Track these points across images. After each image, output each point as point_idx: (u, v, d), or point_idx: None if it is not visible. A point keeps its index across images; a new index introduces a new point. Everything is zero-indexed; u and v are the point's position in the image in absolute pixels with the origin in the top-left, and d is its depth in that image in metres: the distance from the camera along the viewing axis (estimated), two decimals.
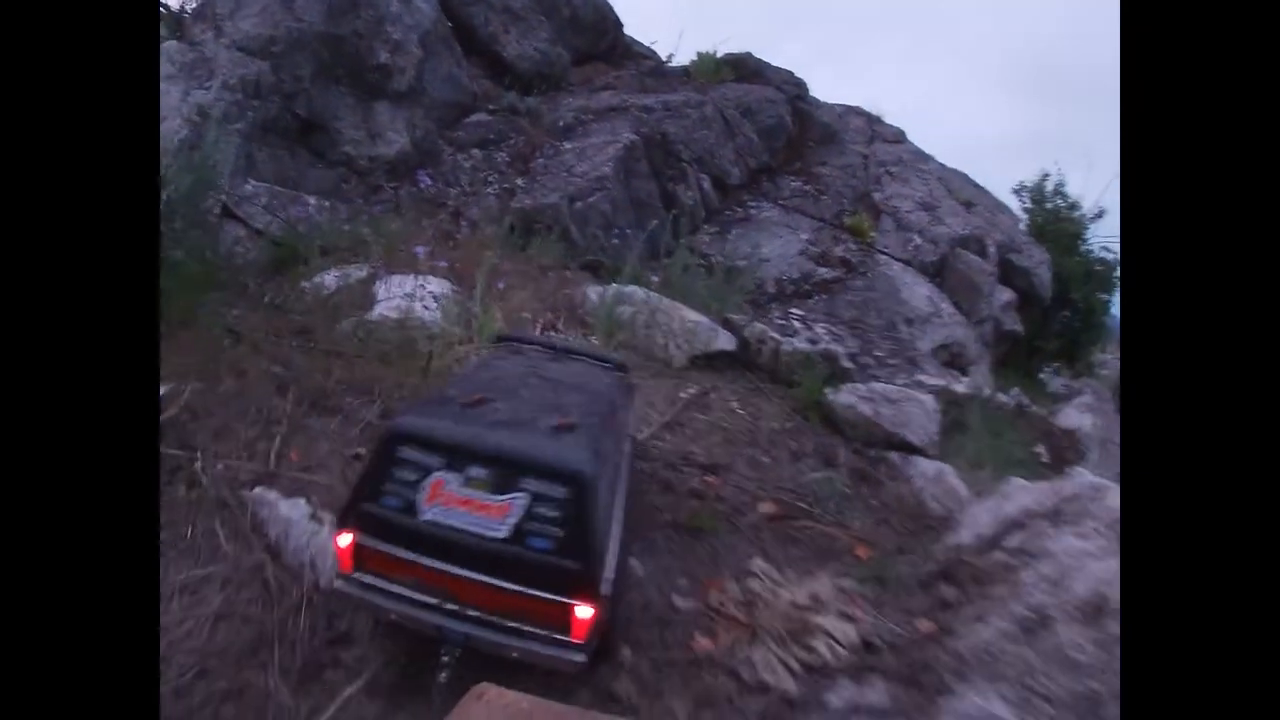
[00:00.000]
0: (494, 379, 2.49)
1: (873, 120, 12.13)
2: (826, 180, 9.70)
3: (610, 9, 10.67)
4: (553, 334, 4.89)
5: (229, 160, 6.10)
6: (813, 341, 6.06)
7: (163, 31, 7.83)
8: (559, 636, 1.99)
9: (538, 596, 1.94)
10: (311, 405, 3.63)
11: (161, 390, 3.30)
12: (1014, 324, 10.22)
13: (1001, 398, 6.73)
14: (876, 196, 10.04)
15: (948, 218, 10.13)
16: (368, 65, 7.52)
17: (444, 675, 2.01)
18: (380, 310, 4.33)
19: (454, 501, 1.94)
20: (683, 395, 4.85)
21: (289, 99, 7.22)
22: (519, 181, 7.54)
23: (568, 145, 8.07)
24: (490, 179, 7.62)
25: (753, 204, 8.82)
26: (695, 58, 10.56)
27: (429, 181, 6.76)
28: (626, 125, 8.21)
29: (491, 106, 8.80)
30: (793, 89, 10.72)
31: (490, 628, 2.00)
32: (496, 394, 2.26)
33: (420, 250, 4.98)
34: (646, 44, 11.33)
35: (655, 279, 6.54)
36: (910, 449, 5.03)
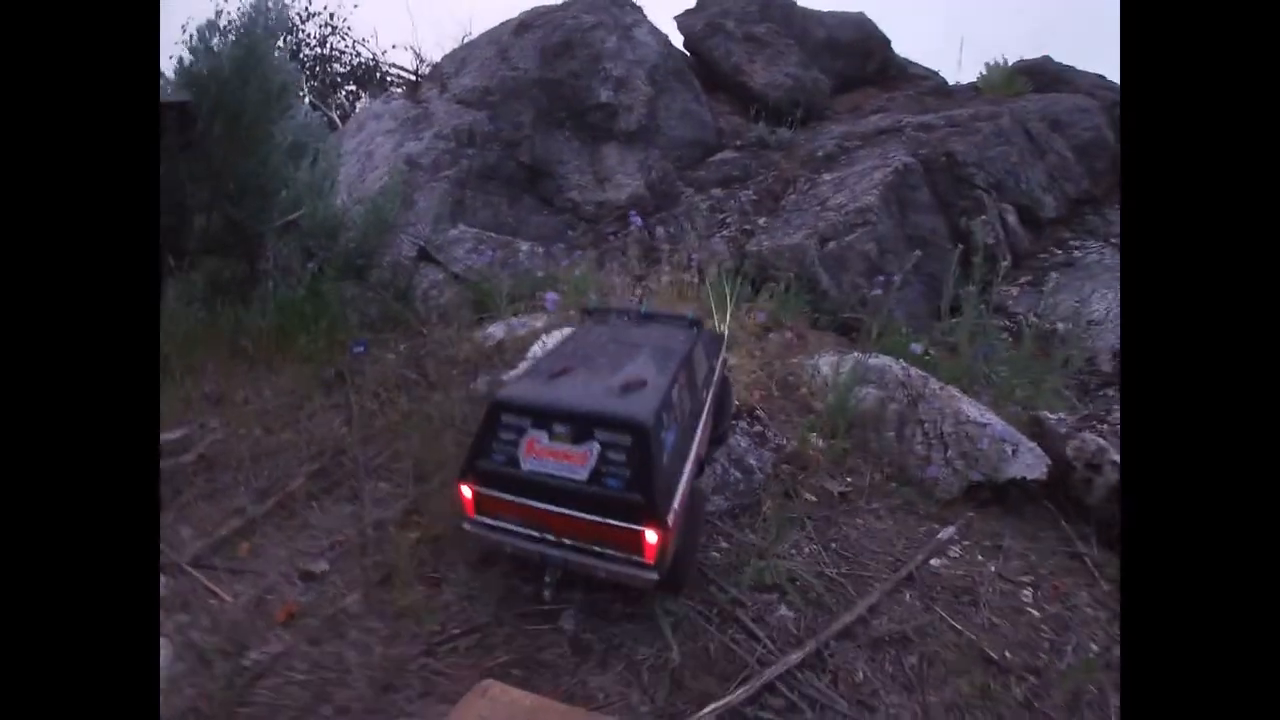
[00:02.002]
0: (577, 349, 2.70)
1: None
2: None
3: (873, 25, 9.11)
4: (759, 409, 3.38)
5: (432, 206, 5.60)
6: None
7: (397, 94, 7.82)
8: (634, 558, 2.20)
9: (614, 525, 2.18)
10: (336, 483, 2.90)
11: (189, 430, 3.07)
12: None
13: None
14: None
15: None
16: (588, 105, 6.80)
17: (548, 592, 2.37)
18: (520, 370, 3.19)
19: (545, 453, 2.22)
20: (928, 558, 2.69)
21: (511, 146, 6.67)
22: (760, 221, 6.16)
23: (826, 177, 6.56)
24: (728, 220, 6.33)
25: (1075, 243, 6.58)
26: (983, 70, 8.63)
27: (639, 223, 5.62)
28: (900, 147, 6.53)
29: (739, 142, 7.65)
30: (1109, 95, 8.28)
31: (581, 553, 2.25)
32: (579, 363, 2.54)
33: (550, 298, 3.96)
34: (923, 65, 9.56)
35: (920, 349, 4.38)
36: None
